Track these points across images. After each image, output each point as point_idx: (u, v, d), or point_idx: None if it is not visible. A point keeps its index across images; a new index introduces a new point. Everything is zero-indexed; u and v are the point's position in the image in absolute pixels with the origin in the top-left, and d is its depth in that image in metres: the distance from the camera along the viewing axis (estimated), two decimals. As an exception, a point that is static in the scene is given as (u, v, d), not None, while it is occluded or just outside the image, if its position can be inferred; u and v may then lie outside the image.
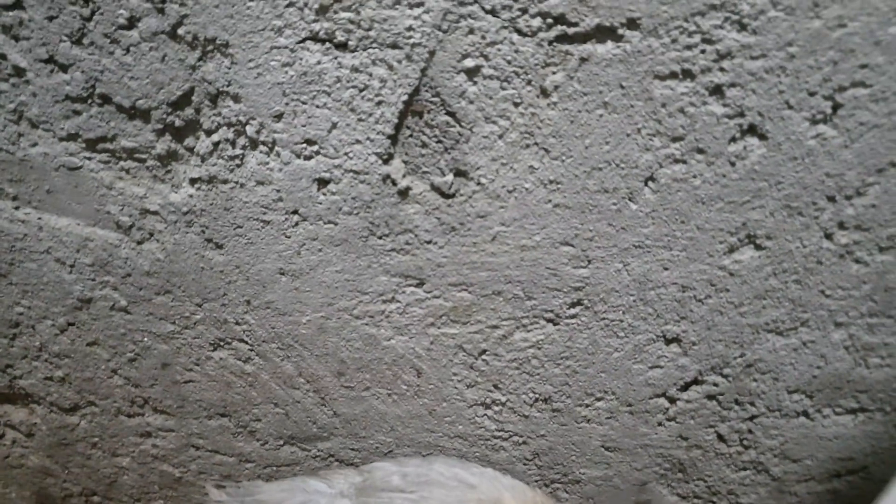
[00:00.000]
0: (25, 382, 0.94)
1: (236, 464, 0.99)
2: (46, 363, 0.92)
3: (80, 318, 0.87)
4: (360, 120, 0.70)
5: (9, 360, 0.92)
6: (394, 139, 0.72)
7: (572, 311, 0.80)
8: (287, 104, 0.70)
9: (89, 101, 0.72)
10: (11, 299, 0.86)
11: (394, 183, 0.74)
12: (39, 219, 0.80)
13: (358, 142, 0.72)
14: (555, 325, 0.81)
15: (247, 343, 0.87)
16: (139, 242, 0.80)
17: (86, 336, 0.88)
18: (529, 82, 0.66)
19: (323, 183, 0.75)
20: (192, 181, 0.76)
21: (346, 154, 0.73)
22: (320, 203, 0.76)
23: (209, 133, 0.73)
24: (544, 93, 0.67)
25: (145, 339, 0.88)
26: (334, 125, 0.71)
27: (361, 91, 0.69)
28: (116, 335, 0.88)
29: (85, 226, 0.81)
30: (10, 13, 0.69)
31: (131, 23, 0.68)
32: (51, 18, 0.68)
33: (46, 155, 0.76)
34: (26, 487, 1.03)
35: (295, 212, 0.77)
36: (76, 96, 0.72)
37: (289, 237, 0.79)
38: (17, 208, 0.80)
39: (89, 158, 0.76)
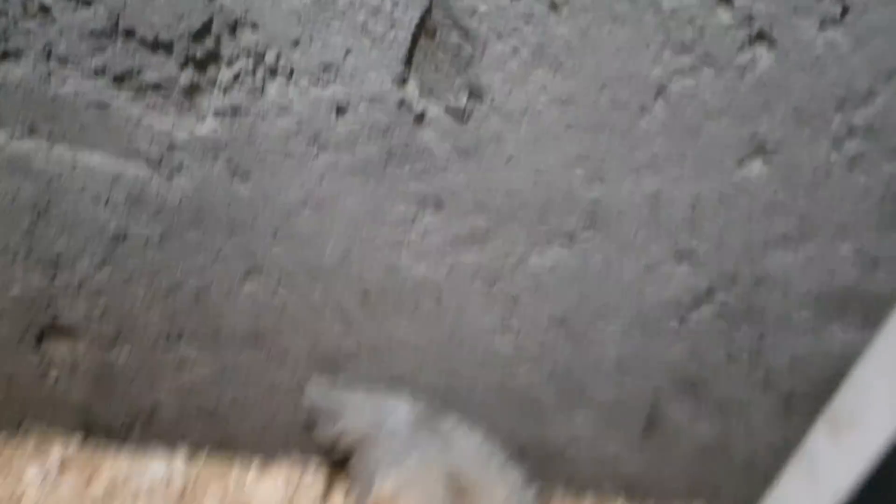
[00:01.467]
0: (66, 319, 0.95)
1: (267, 394, 1.01)
2: (86, 300, 0.93)
3: (116, 254, 0.88)
4: (373, 44, 0.69)
5: (50, 297, 0.93)
6: (408, 62, 0.71)
7: (585, 233, 0.79)
8: (303, 30, 0.69)
9: (113, 36, 0.72)
10: (50, 238, 0.87)
11: (409, 108, 0.73)
12: (74, 156, 0.80)
13: (373, 67, 0.71)
14: (569, 247, 0.80)
15: (275, 274, 0.87)
16: (168, 177, 0.81)
17: (122, 272, 0.89)
18: (540, -2, 0.65)
19: (341, 111, 0.74)
20: (216, 113, 0.76)
21: (361, 80, 0.72)
22: (339, 131, 0.75)
23: (230, 63, 0.72)
24: (554, 7, 0.65)
25: (178, 273, 0.88)
26: (349, 50, 0.70)
27: (374, 14, 0.68)
28: (151, 270, 0.89)
29: (117, 162, 0.81)
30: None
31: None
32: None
33: (77, 93, 0.76)
34: (70, 423, 1.06)
35: (315, 141, 0.77)
36: (101, 31, 0.72)
37: (310, 167, 0.78)
38: (51, 147, 0.80)
39: (117, 94, 0.76)
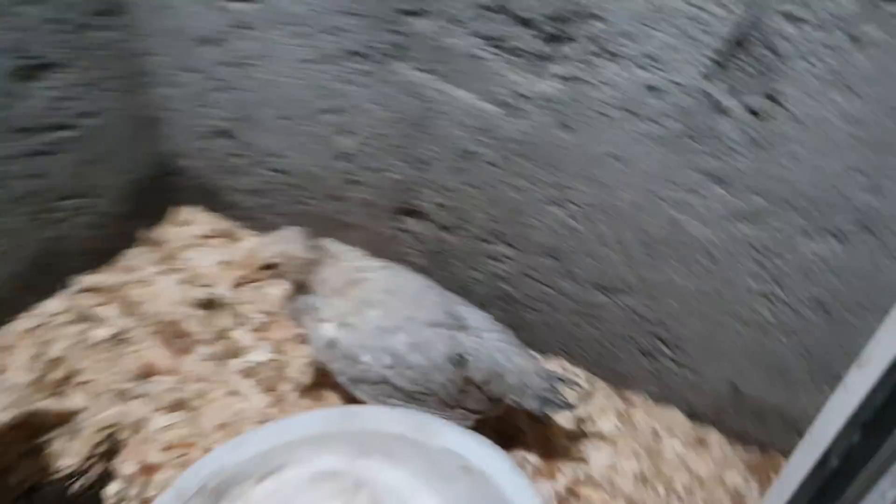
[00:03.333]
0: (422, 203, 1.53)
1: (557, 296, 1.49)
2: (437, 193, 1.49)
3: (464, 165, 1.40)
4: (690, 43, 1.03)
5: (414, 185, 1.51)
6: (717, 63, 1.03)
7: (859, 234, 1.05)
8: (637, 26, 1.06)
9: (492, 9, 1.17)
10: (425, 144, 1.43)
11: (713, 99, 1.06)
12: (449, 90, 1.31)
13: (687, 62, 1.05)
14: (839, 241, 1.07)
15: (576, 205, 1.31)
16: (512, 117, 1.27)
17: (465, 178, 1.42)
18: (844, 30, 0.91)
19: (654, 90, 1.10)
20: (556, 76, 1.18)
21: (676, 70, 1.07)
22: (649, 106, 1.12)
23: (575, 42, 1.13)
24: (856, 41, 0.91)
25: (505, 188, 1.38)
26: (670, 46, 1.05)
27: (694, 21, 1.01)
28: (486, 181, 1.39)
29: (476, 99, 1.30)
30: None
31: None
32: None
33: (460, 45, 1.25)
34: None
35: (628, 110, 1.15)
36: (485, 5, 1.17)
37: (622, 129, 1.17)
38: (436, 80, 1.32)
39: (487, 51, 1.22)
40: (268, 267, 1.16)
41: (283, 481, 0.73)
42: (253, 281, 1.18)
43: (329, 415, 1.07)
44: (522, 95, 1.23)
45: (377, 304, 1.17)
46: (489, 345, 1.19)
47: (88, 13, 1.50)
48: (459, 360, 1.15)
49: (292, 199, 1.71)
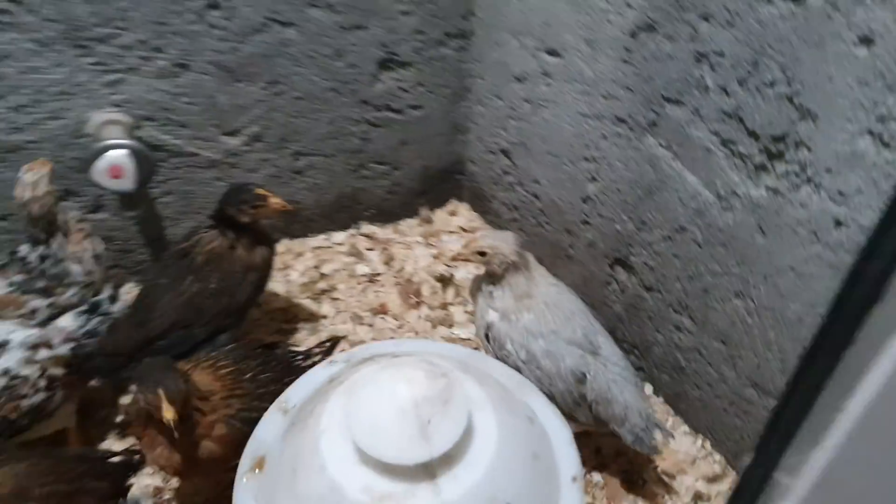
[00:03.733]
0: (634, 258, 1.82)
1: (717, 379, 1.69)
2: (648, 254, 1.77)
3: (675, 237, 1.67)
4: (876, 193, 1.22)
5: (632, 241, 1.81)
6: None
7: None
8: (837, 165, 1.27)
9: (731, 116, 1.44)
10: (649, 209, 1.72)
11: None
12: (680, 170, 1.60)
13: (870, 206, 1.24)
14: None
15: (754, 303, 1.51)
16: (723, 209, 1.52)
17: (674, 249, 1.68)
18: None
19: (839, 224, 1.30)
20: (766, 186, 1.42)
21: (860, 211, 1.26)
22: (832, 235, 1.31)
23: (787, 162, 1.36)
24: None
25: (702, 267, 1.62)
26: (859, 190, 1.25)
27: (887, 176, 1.20)
28: (689, 257, 1.65)
29: (700, 185, 1.57)
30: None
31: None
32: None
33: (699, 136, 1.53)
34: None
35: (815, 233, 1.35)
36: (726, 112, 1.45)
37: (805, 248, 1.38)
38: (673, 159, 1.62)
39: (719, 149, 1.49)
40: (480, 253, 1.56)
41: (397, 360, 1.11)
42: (465, 260, 1.59)
43: (467, 351, 1.44)
44: (736, 193, 1.48)
45: (534, 311, 1.50)
46: (610, 374, 1.46)
47: (443, 32, 2.03)
48: (580, 378, 1.45)
49: (535, 221, 2.10)
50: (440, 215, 2.42)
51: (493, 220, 2.33)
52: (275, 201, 1.64)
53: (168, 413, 1.15)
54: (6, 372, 1.42)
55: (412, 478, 0.96)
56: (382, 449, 0.95)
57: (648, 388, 1.83)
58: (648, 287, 1.76)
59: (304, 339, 1.93)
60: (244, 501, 1.07)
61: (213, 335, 1.64)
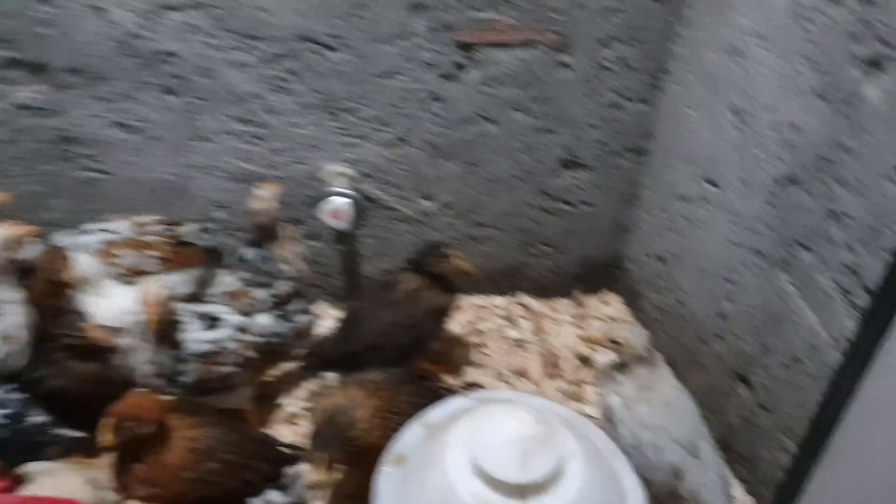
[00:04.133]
0: (753, 377, 2.04)
1: None
2: (766, 375, 1.99)
3: (791, 366, 1.89)
4: None
5: (755, 362, 2.03)
6: None
7: None
8: None
9: (852, 273, 1.68)
10: (772, 336, 1.95)
11: None
12: (804, 308, 1.83)
13: None
14: None
15: None
16: (835, 349, 1.74)
17: (790, 376, 1.90)
18: None
19: None
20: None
21: None
22: None
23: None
24: None
25: (811, 400, 1.83)
26: None
27: None
28: (799, 387, 1.86)
29: (818, 324, 1.79)
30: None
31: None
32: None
33: (822, 282, 1.77)
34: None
35: None
36: (848, 266, 1.68)
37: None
38: (797, 295, 1.85)
39: (837, 295, 1.72)
40: (616, 342, 1.88)
41: (516, 404, 1.47)
42: (600, 345, 1.91)
43: (576, 414, 1.73)
44: (847, 339, 1.70)
45: (651, 405, 1.77)
46: (705, 479, 1.70)
47: (623, 146, 2.39)
48: (677, 473, 1.71)
49: (675, 325, 2.37)
50: (592, 301, 2.74)
51: (640, 315, 2.61)
52: (460, 263, 2.04)
53: (321, 473, 1.55)
54: (216, 341, 1.91)
55: (508, 494, 1.29)
56: (490, 466, 1.30)
57: (751, 501, 2.02)
58: (763, 406, 1.97)
59: (451, 379, 2.31)
60: (384, 482, 1.45)
61: (398, 360, 2.05)
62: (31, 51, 2.09)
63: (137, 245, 2.13)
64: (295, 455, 1.89)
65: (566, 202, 2.48)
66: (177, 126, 2.23)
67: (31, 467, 1.82)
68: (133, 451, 1.61)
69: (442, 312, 2.13)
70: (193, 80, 2.15)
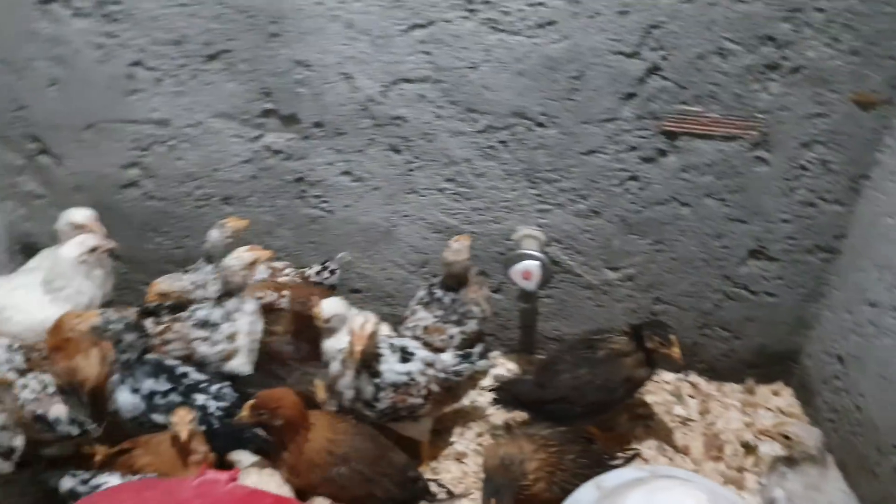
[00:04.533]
0: None
1: None
2: None
3: None
4: None
5: None
6: None
7: None
8: None
9: None
10: None
11: None
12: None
13: None
14: None
15: None
16: None
17: None
18: None
19: None
20: None
21: None
22: None
23: None
24: None
25: None
26: None
27: None
28: None
29: None
30: None
31: None
32: None
33: None
34: None
35: None
36: None
37: None
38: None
39: None
40: (786, 437, 1.94)
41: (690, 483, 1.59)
42: (767, 436, 1.98)
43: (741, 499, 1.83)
44: None
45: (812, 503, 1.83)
46: None
47: (814, 244, 2.44)
48: None
49: (849, 429, 2.34)
50: (763, 390, 2.77)
51: (812, 412, 2.62)
52: (675, 351, 2.17)
53: None
54: (409, 373, 2.16)
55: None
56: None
57: None
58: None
59: (613, 445, 2.44)
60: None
61: (582, 417, 2.24)
62: (287, 104, 2.47)
63: (274, 286, 2.48)
64: (427, 490, 2.12)
65: (749, 290, 2.55)
66: (395, 179, 2.54)
67: (238, 457, 2.15)
68: (283, 440, 1.96)
69: (637, 384, 2.28)
70: (416, 142, 2.45)
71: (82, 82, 2.52)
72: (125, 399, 2.13)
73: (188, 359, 2.27)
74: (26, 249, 2.94)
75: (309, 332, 2.27)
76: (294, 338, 2.33)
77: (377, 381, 2.13)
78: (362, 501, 2.04)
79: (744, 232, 2.43)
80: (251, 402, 1.93)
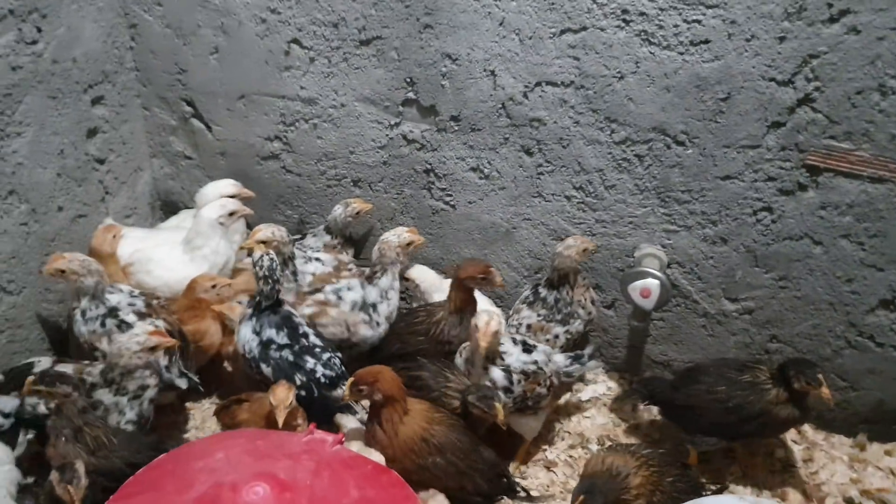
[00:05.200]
0: None
1: None
2: None
3: None
4: None
5: None
6: None
7: None
8: None
9: None
10: None
11: None
12: None
13: None
14: None
15: None
16: None
17: None
18: None
19: None
20: None
21: None
22: None
23: None
24: None
25: None
26: None
27: None
28: None
29: None
30: None
31: None
32: None
33: None
34: None
35: None
36: None
37: None
38: None
39: None
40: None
41: None
42: (874, 498, 1.93)
43: None
44: None
45: None
46: None
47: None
48: None
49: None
50: (875, 448, 2.66)
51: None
52: (825, 391, 2.13)
53: None
54: (535, 361, 2.23)
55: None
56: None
57: None
58: None
59: (707, 476, 2.40)
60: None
61: (707, 432, 2.31)
62: (428, 95, 2.56)
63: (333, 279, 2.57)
64: (513, 488, 2.20)
65: (874, 341, 2.47)
66: (523, 181, 2.59)
67: (342, 421, 2.24)
68: (380, 418, 2.03)
69: (777, 424, 2.27)
70: (550, 146, 2.50)
71: (241, 54, 2.68)
72: (245, 334, 2.29)
73: (345, 342, 2.45)
74: (166, 206, 3.14)
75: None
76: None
77: (506, 372, 2.21)
78: (451, 492, 2.10)
79: (878, 280, 2.36)
80: (351, 379, 2.02)
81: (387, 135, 2.67)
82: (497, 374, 2.20)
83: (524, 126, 2.48)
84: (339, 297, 2.46)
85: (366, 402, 2.10)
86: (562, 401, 2.56)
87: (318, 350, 2.29)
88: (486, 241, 2.72)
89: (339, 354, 2.39)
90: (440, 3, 2.37)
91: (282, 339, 2.27)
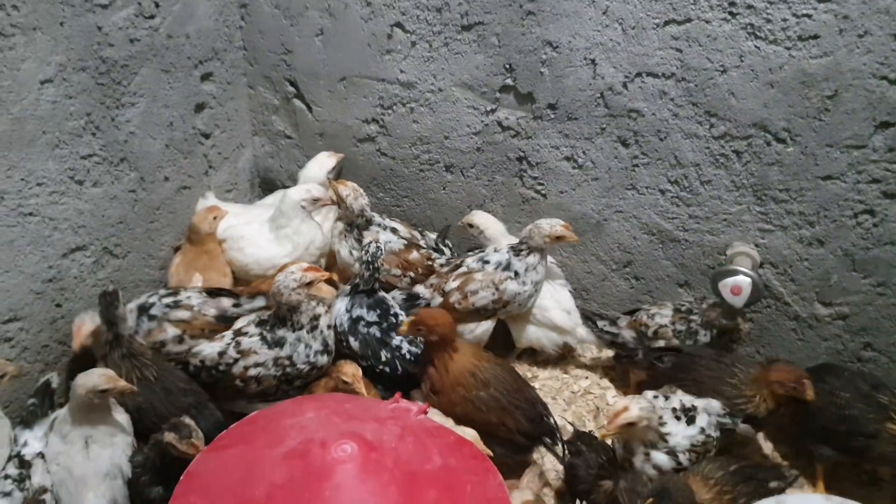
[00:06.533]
0: None
1: None
2: None
3: None
4: None
5: None
6: None
7: None
8: None
9: None
10: None
11: None
12: None
13: None
14: None
15: None
16: None
17: None
18: None
19: None
20: None
21: None
22: None
23: None
24: None
25: None
26: None
27: None
28: None
29: None
30: None
31: None
32: None
33: None
34: None
35: None
36: None
37: None
38: None
39: None
40: None
41: None
42: None
43: None
44: None
45: None
46: None
47: None
48: None
49: None
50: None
51: None
52: None
53: None
54: (702, 430, 2.18)
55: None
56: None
57: None
58: None
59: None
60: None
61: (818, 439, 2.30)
62: (526, 83, 2.63)
63: (401, 262, 2.69)
64: (552, 431, 2.30)
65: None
66: (617, 173, 2.63)
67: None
68: (432, 356, 2.24)
69: (881, 458, 2.21)
70: (646, 138, 2.53)
71: (345, 36, 2.80)
72: (339, 307, 2.45)
73: (497, 303, 2.58)
74: (265, 184, 3.30)
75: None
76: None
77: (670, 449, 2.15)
78: (493, 427, 2.23)
79: (984, 291, 2.30)
80: (411, 317, 2.23)
81: (482, 121, 2.74)
82: (661, 458, 2.13)
83: (622, 117, 2.52)
84: (484, 262, 2.59)
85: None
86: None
87: (406, 327, 2.40)
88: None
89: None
90: (544, -9, 2.43)
91: (371, 316, 2.40)
